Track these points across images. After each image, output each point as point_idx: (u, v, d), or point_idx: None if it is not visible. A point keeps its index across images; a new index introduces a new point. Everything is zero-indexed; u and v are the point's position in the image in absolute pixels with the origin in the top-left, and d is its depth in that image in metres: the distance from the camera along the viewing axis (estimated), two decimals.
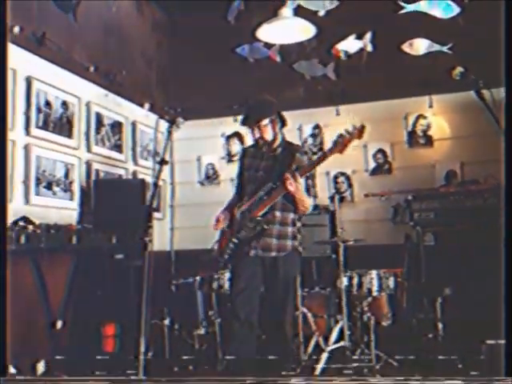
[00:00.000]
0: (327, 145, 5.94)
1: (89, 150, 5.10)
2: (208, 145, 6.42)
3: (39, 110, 4.49)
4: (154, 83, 6.18)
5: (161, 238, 5.12)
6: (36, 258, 3.77)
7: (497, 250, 2.51)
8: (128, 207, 4.64)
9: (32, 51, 4.38)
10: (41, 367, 3.55)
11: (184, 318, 4.40)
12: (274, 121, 3.54)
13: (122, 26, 5.65)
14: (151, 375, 2.89)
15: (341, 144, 3.27)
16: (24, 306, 3.64)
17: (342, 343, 3.85)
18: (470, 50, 4.92)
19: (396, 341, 4.06)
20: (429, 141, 5.74)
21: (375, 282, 4.06)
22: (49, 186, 4.55)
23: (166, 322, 4.25)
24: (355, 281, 4.07)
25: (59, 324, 3.84)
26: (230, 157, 6.34)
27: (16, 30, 4.09)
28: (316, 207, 4.90)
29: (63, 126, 4.77)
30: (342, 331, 3.90)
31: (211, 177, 6.42)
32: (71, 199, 4.81)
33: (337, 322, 4.02)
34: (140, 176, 5.81)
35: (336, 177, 5.94)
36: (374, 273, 4.08)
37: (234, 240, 3.48)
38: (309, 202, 3.46)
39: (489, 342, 3.44)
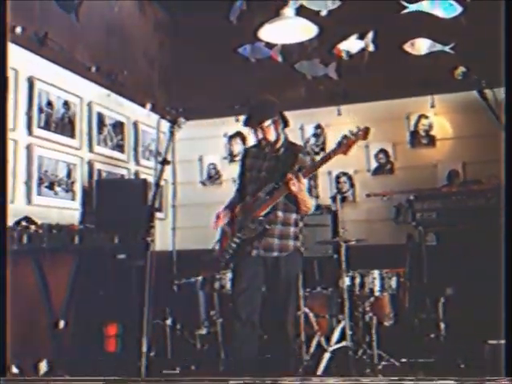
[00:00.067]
0: (329, 145, 5.94)
1: (91, 149, 5.10)
2: (210, 145, 6.42)
3: (41, 110, 4.49)
4: (155, 83, 6.18)
5: (163, 238, 5.12)
6: (38, 258, 3.78)
7: (499, 249, 2.51)
8: (130, 207, 4.64)
9: (34, 51, 4.39)
10: (43, 367, 3.55)
11: (186, 318, 4.40)
12: (277, 121, 3.54)
13: (124, 26, 5.66)
14: (153, 375, 2.89)
15: (345, 145, 3.26)
16: (26, 306, 3.64)
17: (343, 343, 3.85)
18: (472, 49, 4.91)
19: (398, 341, 4.06)
20: (431, 141, 5.73)
21: (377, 282, 4.06)
22: (51, 186, 4.55)
23: (168, 321, 4.26)
24: (357, 281, 4.07)
25: (61, 324, 3.84)
26: (231, 157, 6.34)
27: (18, 30, 4.09)
28: (318, 207, 4.89)
29: (65, 126, 4.78)
30: (343, 331, 3.90)
31: (213, 177, 6.43)
32: (73, 199, 4.82)
33: (339, 321, 4.02)
34: (142, 176, 5.81)
35: (338, 177, 5.94)
36: (376, 273, 4.08)
37: (236, 240, 3.48)
38: (311, 203, 3.46)
39: (491, 342, 3.44)
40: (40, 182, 4.43)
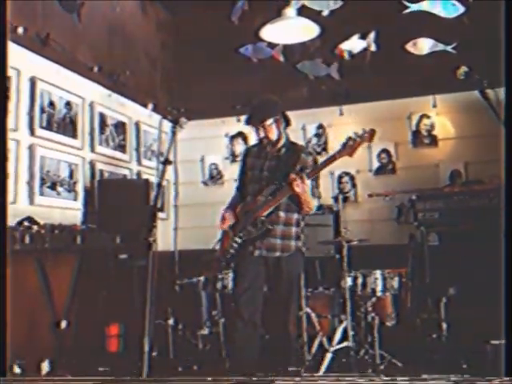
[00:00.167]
0: (331, 145, 5.95)
1: (93, 150, 5.11)
2: (212, 145, 6.43)
3: (43, 111, 4.50)
4: (157, 83, 6.18)
5: (165, 238, 5.12)
6: (40, 258, 3.78)
7: (501, 249, 2.51)
8: (132, 207, 4.65)
9: (36, 51, 4.39)
10: (45, 367, 3.55)
11: (188, 318, 4.40)
12: (279, 120, 3.54)
13: (125, 26, 5.66)
14: (155, 375, 2.89)
15: (350, 147, 3.25)
16: (28, 305, 3.65)
17: (345, 343, 3.85)
18: (474, 49, 4.90)
19: (400, 341, 4.05)
20: (433, 141, 5.73)
21: (379, 282, 4.06)
22: (53, 187, 4.56)
23: (170, 322, 4.26)
24: (359, 281, 4.07)
25: (63, 324, 3.84)
26: (233, 157, 6.34)
27: (20, 30, 4.09)
28: (320, 207, 4.87)
29: (67, 126, 4.78)
30: (345, 331, 3.90)
31: (215, 177, 6.43)
32: (75, 199, 4.82)
33: (341, 322, 4.02)
34: (144, 176, 5.82)
35: (340, 177, 5.94)
36: (378, 273, 4.08)
37: (238, 240, 3.48)
38: (313, 203, 3.46)
39: (493, 342, 3.44)
40: (42, 182, 4.43)
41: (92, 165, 5.07)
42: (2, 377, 2.54)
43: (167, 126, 5.94)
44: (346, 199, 5.83)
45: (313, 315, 3.98)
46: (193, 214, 5.73)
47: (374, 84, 5.55)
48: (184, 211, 5.38)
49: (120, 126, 5.58)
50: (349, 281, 3.97)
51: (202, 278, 4.41)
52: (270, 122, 3.49)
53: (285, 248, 3.48)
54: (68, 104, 4.81)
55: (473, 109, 4.88)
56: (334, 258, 4.84)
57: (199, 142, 6.29)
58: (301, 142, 5.69)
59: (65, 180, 4.70)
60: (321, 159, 3.51)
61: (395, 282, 4.14)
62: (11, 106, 4.15)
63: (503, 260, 2.48)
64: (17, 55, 4.17)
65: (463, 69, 4.16)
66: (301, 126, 6.07)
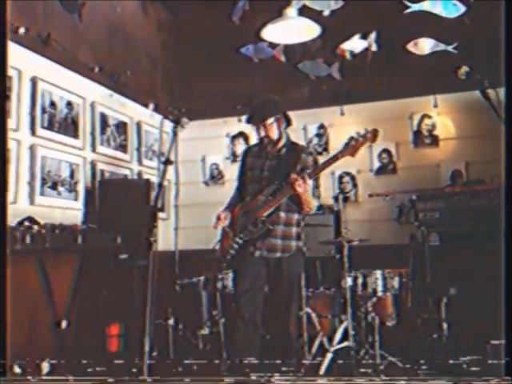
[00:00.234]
0: (332, 145, 5.94)
1: (94, 150, 5.11)
2: (213, 145, 6.43)
3: (44, 111, 4.50)
4: (158, 83, 6.18)
5: (165, 238, 5.13)
6: (41, 257, 3.79)
7: (501, 250, 2.51)
8: (133, 207, 4.65)
9: (37, 52, 4.40)
10: (45, 367, 3.55)
11: (188, 317, 4.40)
12: (280, 120, 3.53)
13: (126, 27, 5.66)
14: (155, 375, 2.90)
15: (353, 147, 3.24)
16: (29, 305, 3.65)
17: (346, 343, 3.84)
18: (475, 49, 4.89)
19: (400, 341, 4.05)
20: (434, 141, 5.72)
21: (380, 282, 4.06)
22: (54, 186, 4.56)
23: (171, 321, 4.26)
24: (360, 281, 4.06)
25: (64, 324, 3.85)
26: (234, 157, 6.34)
27: (21, 30, 4.10)
28: (320, 207, 4.88)
29: (68, 126, 4.79)
30: (346, 331, 3.89)
31: (216, 177, 6.43)
32: (76, 199, 4.83)
33: (341, 322, 4.02)
34: (145, 176, 5.82)
35: (341, 177, 5.94)
36: (378, 273, 4.08)
37: (238, 240, 3.47)
38: (314, 203, 3.45)
39: (493, 342, 3.43)
40: (43, 182, 4.43)
41: (93, 165, 5.08)
42: (2, 377, 2.54)
43: (168, 126, 5.92)
44: (346, 199, 5.83)
45: (313, 315, 3.98)
46: (193, 214, 5.73)
47: (375, 84, 5.54)
48: (185, 211, 5.39)
49: (121, 126, 5.58)
50: (349, 281, 3.97)
51: (202, 278, 4.41)
52: (270, 121, 3.48)
53: (285, 248, 3.48)
54: (69, 104, 4.82)
55: (474, 109, 4.87)
56: (334, 258, 4.84)
57: (200, 142, 6.29)
58: (302, 142, 5.69)
59: (66, 180, 4.71)
60: (322, 159, 3.50)
61: (396, 282, 4.14)
62: (12, 106, 4.16)
63: (503, 260, 2.48)
64: (18, 55, 4.18)
65: (464, 69, 4.14)
66: (302, 126, 6.08)
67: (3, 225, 2.69)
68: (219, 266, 3.77)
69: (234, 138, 6.38)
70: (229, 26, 5.03)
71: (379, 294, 4.05)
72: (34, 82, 4.40)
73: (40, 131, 4.43)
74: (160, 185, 3.09)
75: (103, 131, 5.27)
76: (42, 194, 4.40)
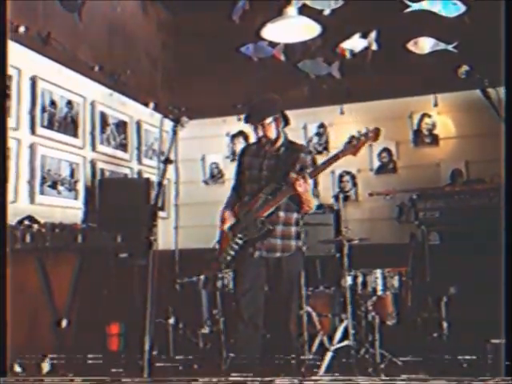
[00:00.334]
0: (332, 144, 5.95)
1: (94, 149, 5.11)
2: (212, 144, 6.43)
3: (44, 110, 4.50)
4: (158, 82, 6.18)
5: (165, 237, 5.13)
6: (41, 256, 3.79)
7: (501, 249, 2.51)
8: (133, 206, 4.65)
9: (37, 51, 4.40)
10: (46, 366, 3.56)
11: (188, 316, 4.40)
12: (278, 119, 3.51)
13: (126, 26, 5.66)
14: (156, 374, 2.90)
15: (354, 146, 3.24)
16: (29, 304, 3.65)
17: (346, 342, 3.84)
18: (475, 48, 4.89)
19: (401, 340, 4.05)
20: (434, 140, 5.73)
21: (380, 281, 4.05)
22: (54, 185, 4.56)
23: (171, 320, 4.25)
24: (360, 280, 4.05)
25: (64, 323, 3.85)
26: (234, 156, 6.33)
27: (21, 29, 4.10)
28: (320, 206, 4.88)
29: (68, 125, 4.79)
30: (346, 330, 3.89)
31: (216, 176, 6.43)
32: (76, 198, 4.83)
33: (341, 321, 4.01)
34: (145, 175, 5.82)
35: (341, 176, 5.94)
36: (378, 272, 4.07)
37: (237, 240, 3.45)
38: (314, 202, 3.45)
39: (493, 341, 3.43)
40: (43, 181, 4.44)
41: (93, 164, 5.08)
42: (3, 377, 2.54)
43: (168, 125, 5.95)
44: (346, 198, 5.83)
45: (313, 314, 3.97)
46: (193, 213, 5.74)
47: (375, 83, 5.54)
48: (185, 210, 5.39)
49: (121, 125, 5.58)
50: (349, 280, 3.96)
51: (202, 277, 4.41)
52: (269, 120, 3.46)
53: (285, 248, 3.47)
54: (69, 103, 4.82)
55: (474, 108, 4.88)
56: (334, 257, 4.84)
57: (200, 141, 6.29)
58: (302, 141, 5.71)
59: (66, 179, 4.71)
60: (323, 158, 3.49)
61: (396, 281, 4.13)
62: (12, 105, 4.16)
63: (503, 259, 2.48)
64: (18, 54, 4.18)
65: (464, 68, 4.15)
66: (302, 125, 6.08)
67: (3, 224, 2.68)
68: (219, 265, 3.76)
69: (233, 136, 6.38)
70: (229, 25, 5.02)
71: (379, 292, 4.04)
72: (33, 81, 4.40)
73: (40, 130, 4.43)
74: (160, 184, 3.09)
75: (103, 130, 5.27)
76: (41, 192, 4.40)
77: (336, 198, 5.65)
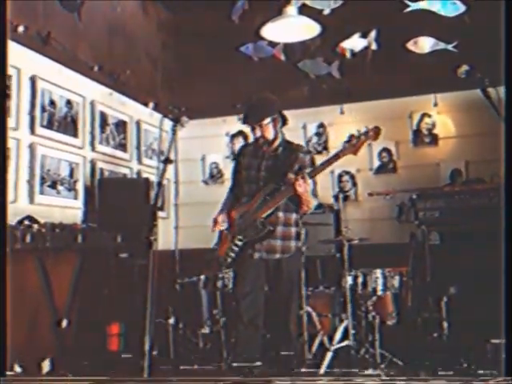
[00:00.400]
0: (331, 144, 5.94)
1: (93, 148, 5.11)
2: (212, 144, 6.42)
3: (44, 109, 4.49)
4: (158, 82, 6.17)
5: (165, 236, 5.12)
6: (41, 256, 3.78)
7: (502, 248, 2.51)
8: (132, 206, 4.64)
9: (37, 50, 4.39)
10: (46, 366, 3.55)
11: (188, 316, 4.40)
12: (276, 119, 3.47)
13: (126, 26, 5.65)
14: (156, 374, 2.89)
15: (354, 145, 3.23)
16: (29, 304, 3.65)
17: (346, 342, 3.84)
18: (475, 48, 4.89)
19: (401, 340, 4.05)
20: (434, 139, 5.72)
21: (380, 281, 4.05)
22: (53, 185, 4.56)
23: (171, 321, 4.25)
24: (360, 280, 4.06)
25: (64, 323, 3.84)
26: (234, 156, 6.33)
27: (21, 29, 4.09)
28: (320, 206, 4.88)
29: (68, 125, 4.78)
30: (346, 330, 3.89)
31: (215, 176, 6.43)
32: (76, 198, 4.82)
33: (341, 321, 4.01)
34: (144, 175, 5.82)
35: (340, 175, 5.93)
36: (378, 272, 4.07)
37: (237, 242, 3.42)
38: (313, 202, 3.43)
39: (494, 341, 3.43)
40: (43, 181, 4.43)
41: (92, 164, 5.07)
42: (2, 377, 2.53)
43: (168, 124, 5.91)
44: (346, 198, 5.83)
45: (313, 314, 3.97)
46: (193, 213, 5.73)
47: (375, 83, 5.54)
48: (184, 210, 5.39)
49: (121, 125, 5.58)
50: (349, 280, 3.96)
51: (202, 277, 4.41)
52: (267, 121, 3.43)
53: (285, 249, 3.45)
54: (69, 103, 4.81)
55: (474, 107, 4.87)
56: (334, 257, 4.85)
57: (200, 140, 6.29)
58: (301, 141, 5.71)
59: (65, 179, 4.70)
60: (323, 158, 3.48)
61: (396, 281, 4.13)
62: (12, 104, 4.15)
63: (503, 259, 2.48)
64: (17, 54, 4.17)
65: (464, 67, 4.15)
66: (301, 124, 6.08)
67: (3, 224, 2.68)
68: (219, 267, 3.76)
69: (233, 136, 6.38)
70: (228, 24, 5.02)
71: (379, 292, 4.04)
72: (33, 80, 4.40)
73: (39, 130, 4.42)
74: (160, 184, 3.08)
75: (103, 130, 5.26)
76: (41, 192, 4.40)
77: (336, 197, 5.65)
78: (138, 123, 5.90)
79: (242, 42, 5.39)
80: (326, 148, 6.01)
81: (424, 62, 5.09)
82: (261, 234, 3.38)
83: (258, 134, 3.48)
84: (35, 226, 3.71)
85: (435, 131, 5.73)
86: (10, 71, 4.10)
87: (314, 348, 3.84)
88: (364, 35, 5.15)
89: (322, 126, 6.10)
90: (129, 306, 4.08)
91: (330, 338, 3.90)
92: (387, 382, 3.12)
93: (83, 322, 3.99)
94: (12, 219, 3.76)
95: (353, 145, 3.23)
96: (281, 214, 3.44)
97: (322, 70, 5.58)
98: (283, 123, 3.56)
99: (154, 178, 5.59)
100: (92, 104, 5.13)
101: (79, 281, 4.03)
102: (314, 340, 3.87)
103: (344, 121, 5.84)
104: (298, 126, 6.01)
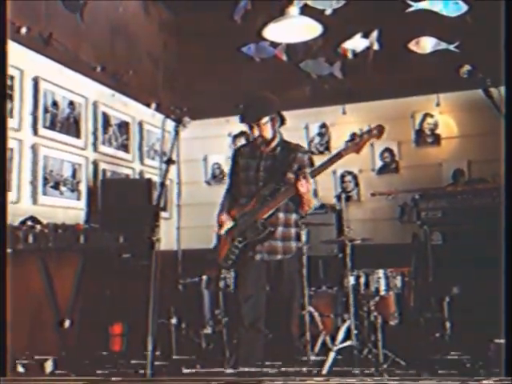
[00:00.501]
0: (334, 144, 5.94)
1: (96, 149, 5.11)
2: (214, 144, 6.43)
3: (46, 110, 4.51)
4: (160, 83, 6.18)
5: (168, 237, 5.11)
6: (44, 257, 3.79)
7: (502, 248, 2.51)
8: (135, 207, 4.65)
9: (39, 51, 4.40)
10: (49, 366, 3.56)
11: (191, 317, 4.40)
12: (274, 119, 3.42)
13: (128, 26, 5.66)
14: (158, 374, 2.90)
15: (357, 144, 3.20)
16: (32, 305, 3.66)
17: (349, 342, 3.84)
18: (477, 48, 4.89)
19: (403, 340, 4.05)
20: (436, 139, 5.72)
21: (382, 281, 4.05)
22: (56, 186, 4.56)
23: (173, 321, 4.25)
24: (362, 280, 4.06)
25: (67, 323, 3.85)
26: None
27: (23, 30, 4.10)
28: (322, 206, 4.88)
29: (70, 125, 4.79)
30: (349, 330, 3.89)
31: (218, 176, 6.43)
32: (78, 199, 4.83)
33: (344, 321, 4.01)
34: (147, 175, 5.82)
35: (343, 176, 5.93)
36: (381, 272, 4.07)
37: (237, 244, 3.38)
38: (313, 202, 3.40)
39: (497, 341, 3.43)
40: (45, 181, 4.44)
41: (95, 164, 5.08)
42: (2, 377, 2.54)
43: (170, 125, 5.93)
44: (348, 198, 5.83)
45: (316, 314, 3.97)
46: (195, 214, 5.73)
47: (377, 83, 5.54)
48: (187, 211, 5.37)
49: (123, 126, 5.59)
50: (352, 280, 3.96)
51: (204, 277, 4.41)
52: (265, 120, 3.39)
53: (286, 250, 3.42)
54: (71, 104, 4.82)
55: (476, 107, 4.86)
56: (336, 257, 4.84)
57: (202, 141, 6.29)
58: (304, 142, 5.71)
59: (68, 179, 4.71)
60: (324, 158, 3.46)
61: (398, 281, 4.13)
62: (15, 105, 4.16)
63: (503, 259, 2.47)
64: (20, 55, 4.18)
65: (466, 67, 4.13)
66: (304, 125, 6.08)
67: (3, 224, 2.69)
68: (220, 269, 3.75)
69: (235, 137, 6.38)
70: (230, 25, 5.03)
71: (382, 293, 4.04)
72: (36, 81, 4.41)
73: (42, 131, 4.43)
74: (162, 184, 3.08)
75: (105, 131, 5.27)
76: (44, 193, 4.41)
77: (338, 198, 5.65)
78: (140, 124, 5.90)
79: (243, 43, 5.40)
80: (328, 148, 6.01)
81: (426, 62, 5.09)
82: (262, 235, 3.33)
83: (256, 133, 3.42)
84: (38, 227, 3.71)
85: (437, 131, 5.73)
86: (13, 72, 4.11)
87: (317, 348, 3.84)
88: (366, 35, 5.16)
89: (324, 126, 6.10)
90: (131, 306, 4.08)
91: (333, 338, 3.90)
92: (389, 382, 3.11)
93: (86, 323, 4.00)
94: (15, 220, 3.77)
95: (356, 143, 3.21)
96: (281, 215, 3.40)
97: (323, 71, 5.58)
98: (281, 123, 3.50)
99: (156, 179, 5.59)
100: (94, 105, 5.14)
101: (82, 281, 4.03)
102: (316, 340, 3.87)
103: (346, 121, 5.84)
104: (300, 126, 6.02)
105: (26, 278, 3.56)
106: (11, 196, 4.02)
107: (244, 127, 3.44)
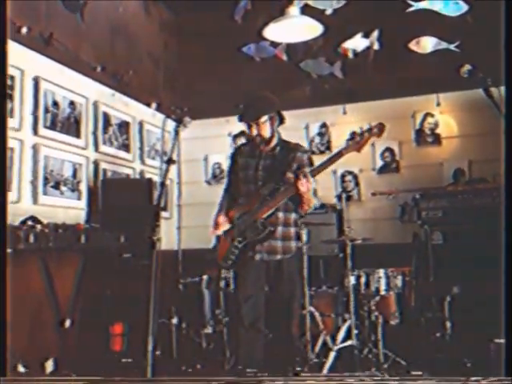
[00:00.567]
0: (334, 144, 5.94)
1: (96, 149, 5.12)
2: (215, 144, 6.42)
3: (47, 110, 4.51)
4: (160, 83, 6.19)
5: (168, 237, 5.13)
6: (44, 257, 3.79)
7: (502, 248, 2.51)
8: (135, 206, 4.65)
9: (39, 51, 4.40)
10: (49, 366, 3.56)
11: (191, 316, 4.41)
12: (273, 118, 3.41)
13: (129, 26, 5.66)
14: (159, 374, 2.90)
15: (358, 143, 3.19)
16: (32, 305, 3.66)
17: (349, 342, 3.84)
18: (477, 47, 4.88)
19: (404, 340, 4.05)
20: (437, 139, 5.72)
21: (383, 281, 4.06)
22: (57, 186, 4.57)
23: (174, 320, 4.26)
24: (363, 280, 4.06)
25: (67, 323, 3.85)
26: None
27: (24, 30, 4.10)
28: (323, 206, 4.87)
29: (71, 125, 4.79)
30: (349, 330, 3.89)
31: (218, 176, 6.43)
32: (79, 199, 4.83)
33: (344, 320, 4.02)
34: (147, 175, 5.82)
35: (343, 175, 5.93)
36: (381, 272, 4.07)
37: (237, 244, 3.37)
38: (313, 201, 3.40)
39: (497, 340, 3.43)
40: (46, 181, 4.44)
41: (95, 164, 5.08)
42: (2, 377, 2.54)
43: (171, 125, 5.95)
44: (349, 198, 5.82)
45: (316, 314, 3.98)
46: (196, 213, 5.72)
47: (378, 82, 5.54)
48: (187, 210, 5.39)
49: (123, 126, 5.59)
50: (352, 279, 3.97)
51: (205, 277, 4.42)
52: (264, 119, 3.37)
53: (286, 250, 3.41)
54: (72, 103, 4.82)
55: (476, 107, 4.86)
56: (337, 257, 4.84)
57: (202, 141, 6.29)
58: (304, 142, 5.71)
59: (68, 179, 4.71)
60: (324, 158, 3.45)
61: (399, 281, 4.14)
62: (15, 105, 4.16)
63: (503, 259, 2.47)
64: (20, 55, 4.18)
65: (467, 67, 4.14)
66: (304, 125, 6.07)
67: (3, 224, 2.69)
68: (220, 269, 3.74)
69: (236, 137, 6.37)
70: (231, 25, 5.03)
71: (382, 292, 4.05)
72: (36, 81, 4.41)
73: (42, 131, 4.44)
74: (162, 184, 3.08)
75: (105, 131, 5.27)
76: (44, 193, 4.41)
77: (339, 197, 5.64)
78: (140, 124, 5.90)
79: (244, 43, 5.40)
80: (328, 148, 6.01)
81: (426, 62, 5.09)
82: (261, 235, 3.32)
83: (255, 132, 3.41)
84: (38, 227, 3.71)
85: (438, 131, 5.73)
86: (14, 72, 4.11)
87: (317, 348, 3.85)
88: (366, 35, 5.16)
89: (324, 126, 6.09)
90: (132, 306, 4.08)
91: (333, 338, 3.90)
92: (390, 382, 3.11)
93: (86, 322, 4.00)
94: (15, 220, 3.77)
95: (356, 142, 3.19)
96: (281, 215, 3.39)
97: (324, 70, 5.58)
98: (280, 122, 3.49)
99: (156, 179, 5.59)
100: (95, 105, 5.14)
101: (82, 281, 4.03)
102: (316, 340, 3.87)
103: (346, 121, 5.84)
104: (301, 126, 6.02)
105: (26, 278, 3.56)
106: (12, 196, 4.03)
107: (244, 127, 3.44)
